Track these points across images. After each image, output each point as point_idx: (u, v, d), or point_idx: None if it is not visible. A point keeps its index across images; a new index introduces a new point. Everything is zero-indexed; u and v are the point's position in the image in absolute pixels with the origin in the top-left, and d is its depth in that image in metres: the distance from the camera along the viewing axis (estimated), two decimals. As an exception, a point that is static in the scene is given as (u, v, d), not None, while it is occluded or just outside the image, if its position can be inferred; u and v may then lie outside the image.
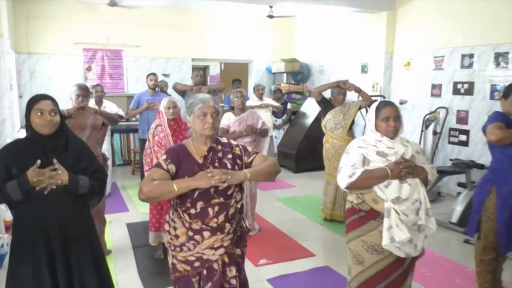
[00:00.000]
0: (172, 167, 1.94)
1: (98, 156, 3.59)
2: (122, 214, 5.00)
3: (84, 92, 3.47)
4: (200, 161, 1.98)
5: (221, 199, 1.96)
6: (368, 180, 2.15)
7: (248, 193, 4.21)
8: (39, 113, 2.06)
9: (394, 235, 2.11)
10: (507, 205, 2.77)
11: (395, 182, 2.14)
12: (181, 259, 2.02)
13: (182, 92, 6.11)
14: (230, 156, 2.03)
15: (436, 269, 3.55)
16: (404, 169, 2.12)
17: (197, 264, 2.00)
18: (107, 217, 4.26)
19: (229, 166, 2.00)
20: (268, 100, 6.27)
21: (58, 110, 2.13)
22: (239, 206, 2.03)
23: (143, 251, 3.90)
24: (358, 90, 4.49)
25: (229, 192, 1.98)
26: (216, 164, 1.99)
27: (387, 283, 2.22)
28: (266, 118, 6.05)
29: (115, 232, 4.39)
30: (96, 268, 2.23)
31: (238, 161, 2.04)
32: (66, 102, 3.52)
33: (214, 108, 1.99)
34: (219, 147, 2.04)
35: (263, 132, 4.24)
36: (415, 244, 2.18)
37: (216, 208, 1.96)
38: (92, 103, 3.74)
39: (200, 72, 6.20)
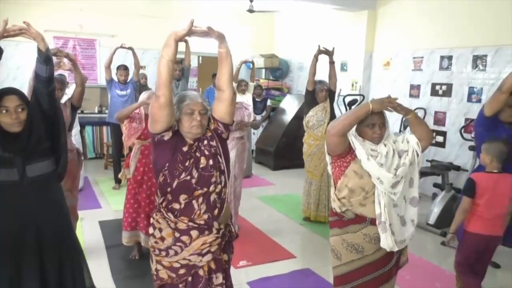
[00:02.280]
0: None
1: (72, 150, 3.41)
2: (94, 211, 4.80)
3: (59, 85, 3.28)
4: (185, 149, 1.87)
5: (205, 189, 1.87)
6: (351, 117, 2.06)
7: (233, 191, 4.10)
8: (4, 111, 1.90)
9: (382, 240, 2.11)
10: None
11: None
12: (166, 265, 1.90)
13: None
14: (205, 142, 1.92)
15: (414, 271, 3.54)
16: (389, 103, 2.05)
17: (182, 271, 1.89)
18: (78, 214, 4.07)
19: (206, 152, 1.89)
20: (248, 96, 6.15)
21: (26, 105, 1.96)
22: (217, 190, 1.91)
23: (116, 251, 3.73)
24: (332, 61, 4.46)
25: (212, 180, 1.88)
26: (198, 154, 1.88)
27: (365, 281, 2.20)
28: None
29: (87, 230, 4.19)
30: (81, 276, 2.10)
31: (212, 143, 1.93)
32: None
33: (202, 106, 1.88)
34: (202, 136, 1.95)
35: (254, 125, 4.45)
36: (411, 219, 2.19)
37: (200, 199, 1.87)
38: (68, 96, 3.56)
39: (180, 65, 6.02)
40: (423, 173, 5.11)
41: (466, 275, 2.90)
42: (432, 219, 4.51)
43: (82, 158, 3.86)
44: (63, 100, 3.39)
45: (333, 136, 2.07)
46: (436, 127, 5.74)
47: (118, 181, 5.66)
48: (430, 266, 3.71)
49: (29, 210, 1.98)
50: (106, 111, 6.57)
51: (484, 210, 2.72)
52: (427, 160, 5.60)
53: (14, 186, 1.93)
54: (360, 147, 2.10)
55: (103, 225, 4.37)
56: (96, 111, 7.49)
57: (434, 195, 5.10)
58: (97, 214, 4.72)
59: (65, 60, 3.25)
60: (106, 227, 4.31)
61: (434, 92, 5.78)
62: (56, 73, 3.25)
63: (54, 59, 3.40)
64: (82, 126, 7.01)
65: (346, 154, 2.15)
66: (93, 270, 3.34)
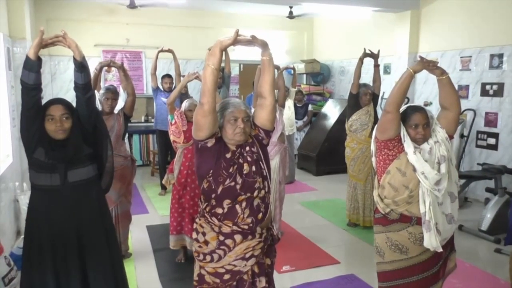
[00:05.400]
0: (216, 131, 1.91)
1: (127, 157, 3.59)
2: (142, 216, 4.97)
3: (113, 95, 3.53)
4: (228, 155, 1.90)
5: (248, 194, 1.89)
6: (399, 87, 2.10)
7: (278, 196, 4.11)
8: (50, 119, 2.03)
9: (426, 239, 2.08)
10: None
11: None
12: (210, 271, 1.93)
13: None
14: (247, 148, 1.94)
15: (467, 280, 3.38)
16: (426, 63, 2.11)
17: (227, 276, 1.92)
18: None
19: (249, 159, 1.91)
20: (290, 102, 6.16)
21: (71, 114, 2.08)
22: (261, 195, 1.93)
23: (163, 254, 3.85)
24: (376, 64, 4.42)
25: (256, 185, 1.90)
26: (241, 160, 1.91)
27: (409, 282, 2.17)
28: (288, 115, 5.97)
29: (135, 234, 4.35)
30: (114, 279, 2.18)
31: (253, 149, 1.95)
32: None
33: (245, 113, 1.91)
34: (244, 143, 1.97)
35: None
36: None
37: (244, 204, 1.89)
38: (120, 104, 3.76)
39: (220, 73, 6.14)
40: (474, 177, 4.91)
41: None
42: (484, 225, 4.29)
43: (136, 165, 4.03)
44: (115, 111, 3.59)
45: (389, 113, 2.10)
46: (487, 129, 5.48)
47: (163, 187, 5.83)
48: (483, 274, 3.52)
49: (69, 213, 2.08)
50: (152, 120, 6.83)
51: None
52: (478, 164, 5.35)
53: (55, 190, 2.05)
54: (408, 139, 2.11)
55: (150, 229, 4.52)
56: (142, 120, 7.78)
57: (487, 200, 4.85)
58: (145, 219, 4.88)
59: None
60: (153, 232, 4.45)
61: (484, 92, 5.52)
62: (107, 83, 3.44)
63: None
64: (130, 135, 7.31)
65: (395, 143, 2.13)
66: (141, 272, 3.51)
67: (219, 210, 1.90)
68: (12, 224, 4.00)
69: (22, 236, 3.44)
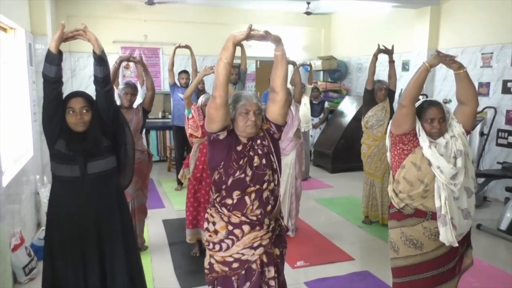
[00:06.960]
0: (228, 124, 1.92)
1: (143, 151, 3.64)
2: (158, 211, 5.04)
3: (132, 90, 3.59)
4: (239, 148, 1.93)
5: (257, 186, 1.91)
6: (415, 81, 2.08)
7: (294, 191, 4.11)
8: (71, 112, 2.07)
9: (441, 234, 2.05)
10: None
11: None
12: (219, 260, 1.96)
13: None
14: (258, 141, 1.96)
15: (485, 279, 3.33)
16: (443, 57, 2.08)
17: (235, 265, 1.94)
18: (144, 213, 4.29)
19: (259, 152, 1.93)
20: (306, 99, 6.14)
21: (90, 106, 2.12)
22: (270, 187, 1.94)
23: (179, 248, 3.89)
24: (391, 60, 4.35)
25: (266, 178, 1.92)
26: (251, 153, 1.93)
27: (424, 277, 2.15)
28: (304, 112, 5.95)
29: (152, 228, 4.41)
30: (129, 268, 2.22)
31: (264, 142, 1.96)
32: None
33: (257, 106, 1.93)
34: (255, 136, 1.98)
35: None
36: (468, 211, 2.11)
37: (253, 195, 1.91)
38: (138, 100, 3.82)
39: (236, 69, 6.15)
40: (494, 176, 4.81)
41: None
42: (504, 225, 4.21)
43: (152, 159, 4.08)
44: (135, 105, 3.65)
45: (404, 107, 2.08)
46: (508, 127, 5.36)
47: (180, 182, 5.89)
48: (501, 273, 3.46)
49: (89, 204, 2.13)
50: (169, 116, 6.90)
51: None
52: (498, 162, 5.24)
53: (75, 182, 2.09)
54: (424, 133, 2.09)
55: (166, 223, 4.57)
56: (159, 116, 7.86)
57: (507, 200, 4.76)
58: (161, 213, 4.94)
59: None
60: (169, 226, 4.50)
61: (505, 90, 5.41)
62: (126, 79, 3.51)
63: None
64: (147, 131, 7.40)
65: (410, 137, 2.11)
66: (157, 265, 3.55)
67: (229, 201, 1.93)
68: (33, 216, 4.11)
69: (43, 228, 3.54)
